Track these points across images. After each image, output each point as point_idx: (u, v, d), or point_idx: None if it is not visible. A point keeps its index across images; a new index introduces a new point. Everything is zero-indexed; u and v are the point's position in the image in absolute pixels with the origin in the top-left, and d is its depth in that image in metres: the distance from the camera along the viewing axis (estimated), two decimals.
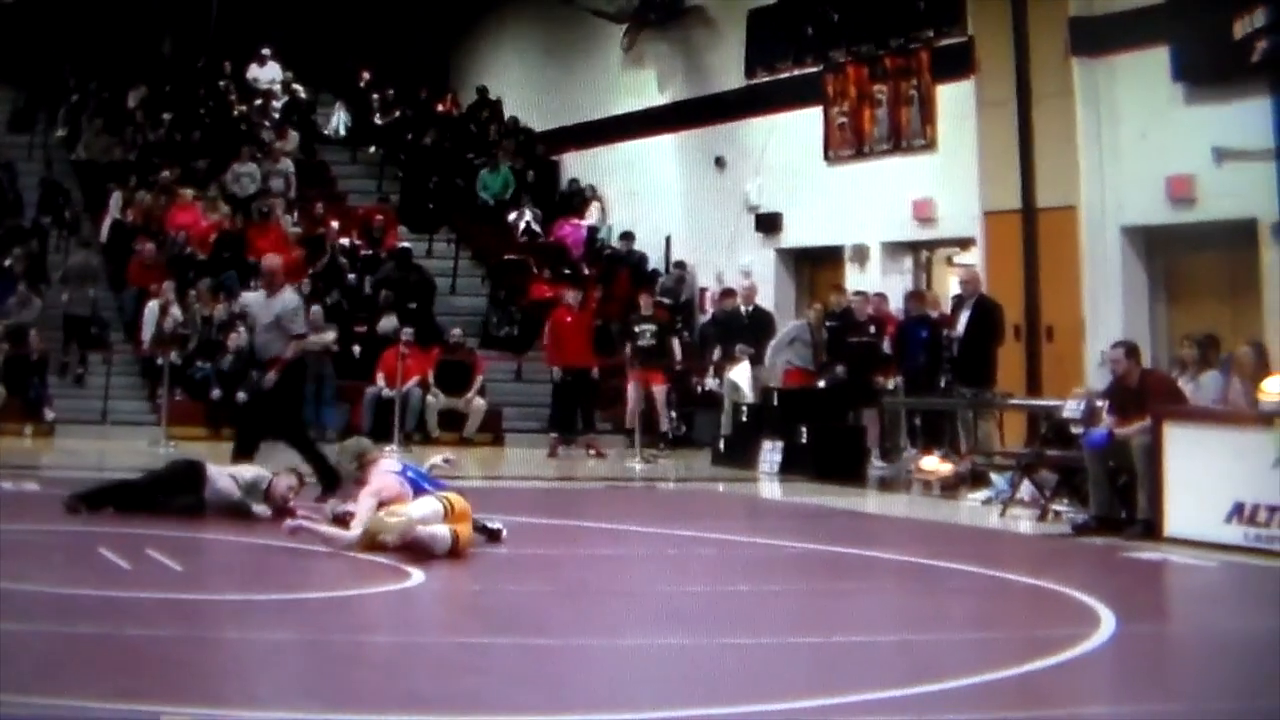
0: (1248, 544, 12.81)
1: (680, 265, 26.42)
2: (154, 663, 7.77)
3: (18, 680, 7.07)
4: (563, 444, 22.22)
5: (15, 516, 13.14)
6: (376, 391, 22.74)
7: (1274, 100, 17.26)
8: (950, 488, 17.95)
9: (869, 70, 22.70)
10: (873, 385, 20.39)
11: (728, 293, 23.23)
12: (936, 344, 19.64)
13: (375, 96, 30.97)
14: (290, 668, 8.07)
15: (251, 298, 15.28)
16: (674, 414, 23.40)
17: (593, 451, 22.02)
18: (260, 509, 13.29)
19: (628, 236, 27.41)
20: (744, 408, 21.12)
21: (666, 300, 25.36)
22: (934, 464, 18.82)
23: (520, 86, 31.35)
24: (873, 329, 20.64)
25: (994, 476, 16.92)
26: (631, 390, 22.01)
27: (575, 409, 22.44)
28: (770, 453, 19.97)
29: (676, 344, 23.69)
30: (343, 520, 11.80)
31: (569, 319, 22.54)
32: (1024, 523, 15.15)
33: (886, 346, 20.43)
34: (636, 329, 22.25)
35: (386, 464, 12.44)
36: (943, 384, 19.62)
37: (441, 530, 11.35)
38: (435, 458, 13.04)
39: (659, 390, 22.28)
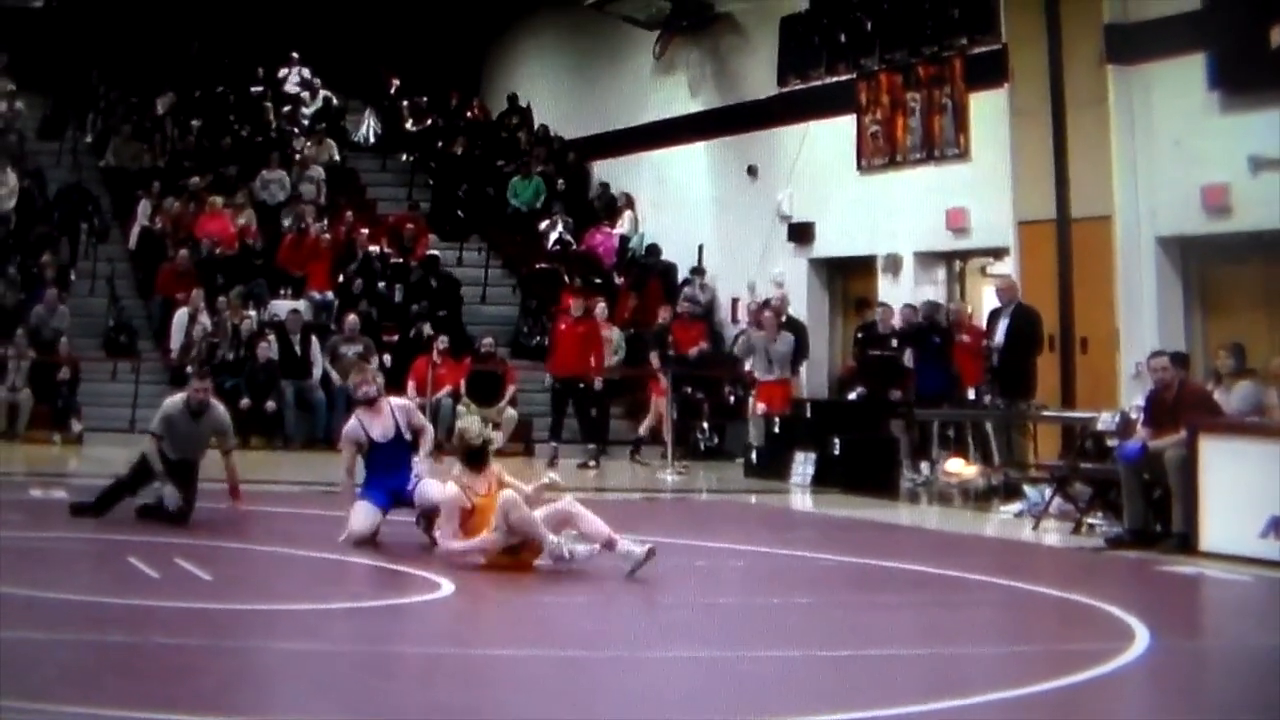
0: None
1: (700, 272, 26.16)
2: (181, 672, 7.78)
3: (46, 688, 7.10)
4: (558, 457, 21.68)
5: (44, 524, 13.19)
6: None
7: None
8: (983, 499, 17.87)
9: (902, 78, 22.55)
10: (889, 399, 20.27)
11: (765, 305, 22.81)
12: (947, 355, 19.58)
13: (405, 103, 30.95)
14: (319, 678, 8.04)
15: None
16: (706, 425, 23.31)
17: (594, 464, 21.73)
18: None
19: (653, 250, 27.25)
20: (776, 419, 21.02)
21: (694, 307, 25.22)
22: (959, 466, 18.74)
23: (551, 93, 31.31)
24: (894, 342, 20.51)
25: (1027, 489, 16.81)
26: (656, 401, 21.87)
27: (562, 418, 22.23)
28: (802, 464, 19.87)
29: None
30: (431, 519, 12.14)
31: (562, 327, 22.39)
32: (1057, 536, 15.05)
33: (908, 360, 20.27)
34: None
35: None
36: (972, 395, 19.57)
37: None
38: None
39: None
